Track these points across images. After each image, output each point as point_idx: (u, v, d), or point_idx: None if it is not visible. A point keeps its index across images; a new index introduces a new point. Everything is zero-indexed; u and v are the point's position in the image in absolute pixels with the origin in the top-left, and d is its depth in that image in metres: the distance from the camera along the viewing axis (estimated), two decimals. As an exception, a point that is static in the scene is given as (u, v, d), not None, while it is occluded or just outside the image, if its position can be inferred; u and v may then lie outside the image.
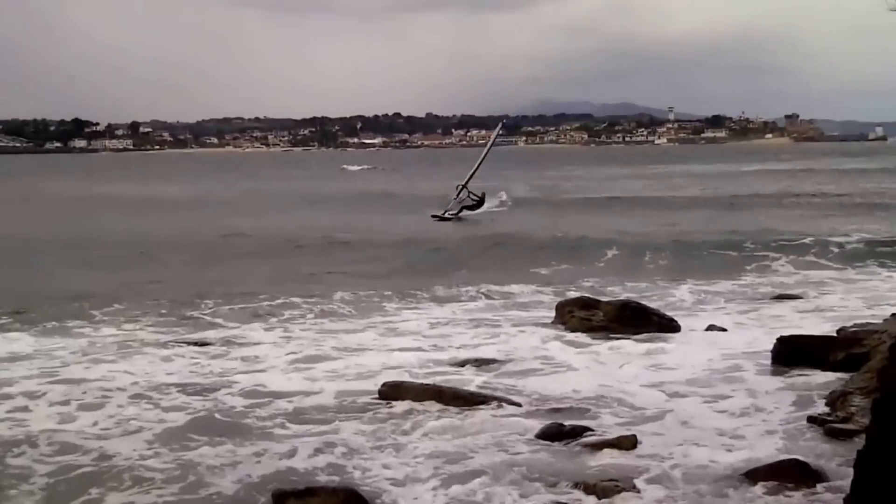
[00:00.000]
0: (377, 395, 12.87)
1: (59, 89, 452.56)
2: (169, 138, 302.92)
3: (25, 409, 12.60)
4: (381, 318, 19.48)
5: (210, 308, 20.56)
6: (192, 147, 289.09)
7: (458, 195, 45.11)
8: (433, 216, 43.36)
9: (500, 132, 49.96)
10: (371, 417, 12.11)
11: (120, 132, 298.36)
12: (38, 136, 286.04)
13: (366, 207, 52.35)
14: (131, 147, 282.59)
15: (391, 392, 12.82)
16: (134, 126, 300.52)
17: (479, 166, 47.17)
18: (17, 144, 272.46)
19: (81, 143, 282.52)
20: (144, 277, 25.16)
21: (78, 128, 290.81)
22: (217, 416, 12.19)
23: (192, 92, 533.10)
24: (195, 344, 16.74)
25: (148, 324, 18.92)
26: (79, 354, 15.96)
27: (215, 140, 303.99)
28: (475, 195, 45.41)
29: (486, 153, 49.27)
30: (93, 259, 28.91)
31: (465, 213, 44.14)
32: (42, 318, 19.11)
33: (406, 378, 13.73)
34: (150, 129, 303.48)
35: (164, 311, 20.15)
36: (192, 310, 20.38)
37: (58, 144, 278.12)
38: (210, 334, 17.81)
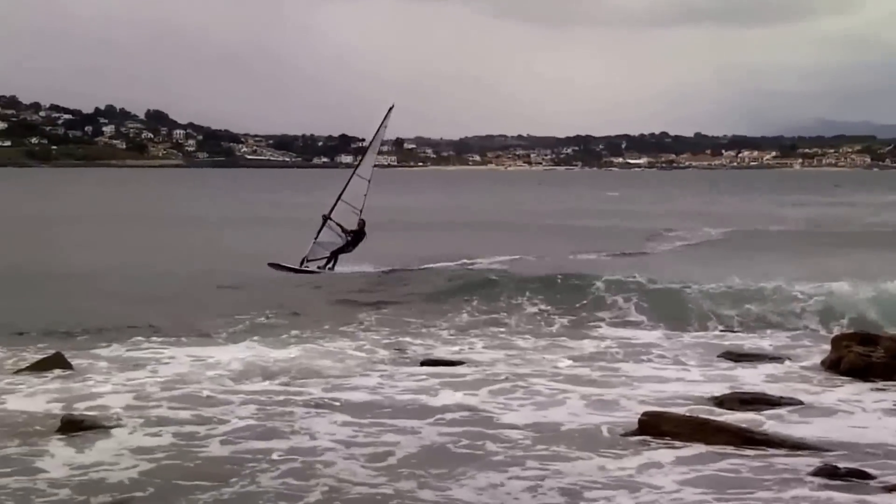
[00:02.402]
0: (636, 427, 12.37)
1: (326, 106, 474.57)
2: (432, 155, 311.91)
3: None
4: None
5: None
6: (454, 164, 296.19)
7: (318, 233, 31.71)
8: (270, 265, 30.46)
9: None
10: (625, 449, 11.74)
11: (384, 148, 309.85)
12: (306, 150, 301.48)
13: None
14: (395, 163, 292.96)
15: (651, 422, 12.28)
16: (398, 142, 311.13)
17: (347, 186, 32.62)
18: (287, 159, 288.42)
19: (347, 159, 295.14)
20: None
21: (344, 143, 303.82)
22: (450, 446, 11.96)
23: (455, 109, 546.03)
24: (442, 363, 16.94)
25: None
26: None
27: (477, 157, 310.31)
28: (344, 230, 31.60)
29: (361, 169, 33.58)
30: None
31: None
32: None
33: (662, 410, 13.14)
34: (413, 146, 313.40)
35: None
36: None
37: (325, 159, 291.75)
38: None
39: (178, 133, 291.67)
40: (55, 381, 15.00)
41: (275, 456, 11.23)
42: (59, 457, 10.97)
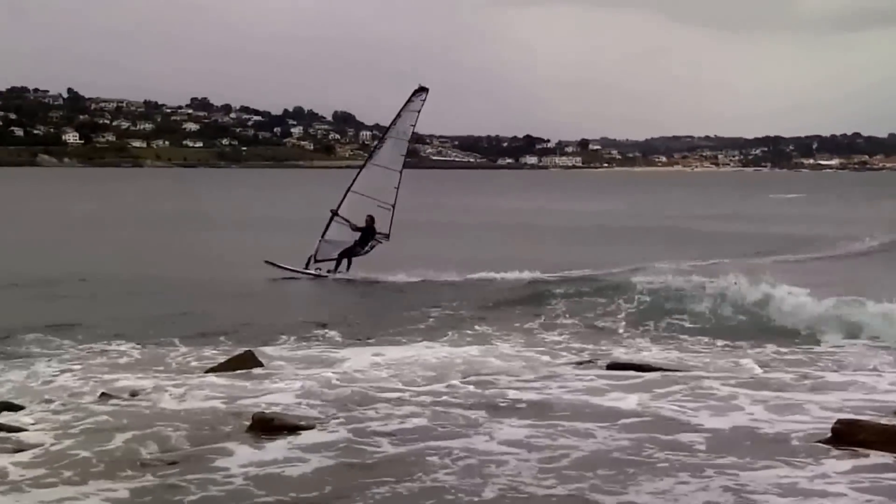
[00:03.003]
0: (829, 435, 11.86)
1: (509, 107, 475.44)
2: (617, 156, 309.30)
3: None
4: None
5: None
6: (639, 165, 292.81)
7: (325, 229, 30.65)
8: (267, 262, 29.93)
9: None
10: (818, 458, 11.34)
11: (569, 149, 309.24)
12: (491, 151, 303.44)
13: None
14: (580, 164, 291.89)
15: (846, 431, 11.67)
16: (583, 143, 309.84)
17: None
18: (472, 160, 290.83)
19: (532, 160, 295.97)
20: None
21: (529, 144, 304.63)
22: (626, 450, 11.80)
23: (641, 110, 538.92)
24: (628, 367, 16.76)
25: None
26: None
27: (663, 158, 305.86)
28: (354, 224, 30.34)
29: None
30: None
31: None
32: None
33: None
34: (598, 147, 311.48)
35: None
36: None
37: (509, 160, 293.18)
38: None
39: (364, 134, 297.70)
40: (245, 379, 15.59)
41: (449, 455, 11.39)
42: (247, 454, 11.39)
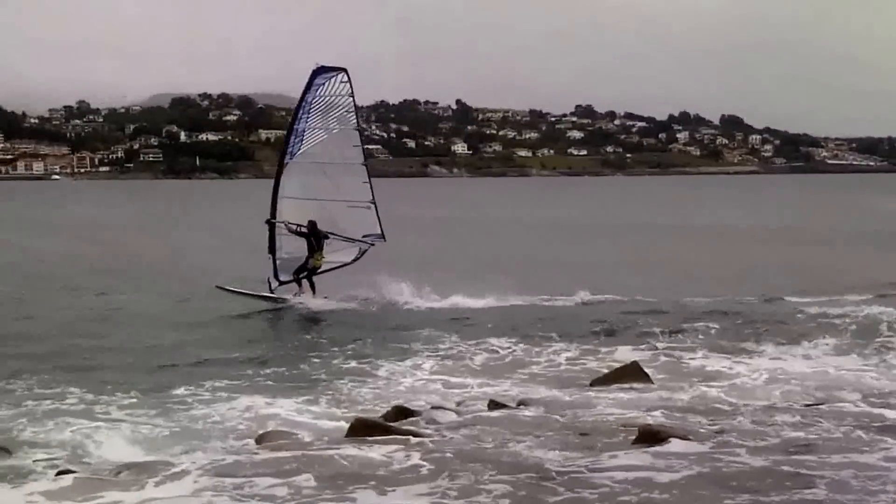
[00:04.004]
0: None
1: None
2: None
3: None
4: None
5: None
6: None
7: (271, 245, 27.11)
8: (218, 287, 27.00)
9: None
10: None
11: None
12: (892, 154, 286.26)
13: None
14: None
15: None
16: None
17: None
18: (871, 163, 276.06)
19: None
20: None
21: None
22: None
23: None
24: None
25: None
26: None
27: None
28: (293, 227, 26.74)
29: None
30: None
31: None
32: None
33: None
34: None
35: None
36: None
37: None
38: None
39: (754, 138, 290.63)
40: (632, 391, 15.55)
41: (821, 470, 10.67)
42: (630, 464, 11.15)
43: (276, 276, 26.66)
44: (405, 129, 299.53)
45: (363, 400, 16.04)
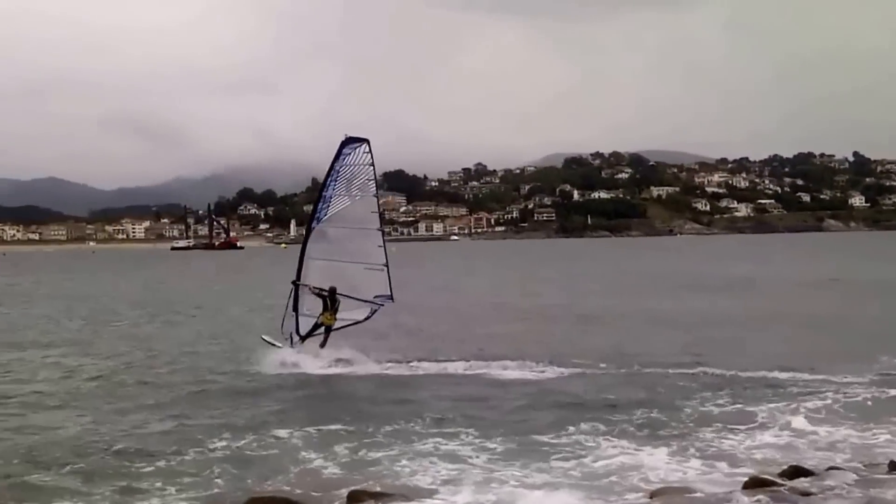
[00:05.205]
0: None
1: None
2: None
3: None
4: None
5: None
6: None
7: (294, 303, 28.50)
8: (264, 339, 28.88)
9: None
10: None
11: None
12: None
13: None
14: None
15: None
16: None
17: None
18: None
19: None
20: None
21: None
22: None
23: None
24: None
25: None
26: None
27: None
28: (318, 289, 28.11)
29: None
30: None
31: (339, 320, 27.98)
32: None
33: None
34: None
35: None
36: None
37: None
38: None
39: None
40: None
41: None
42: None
43: (297, 332, 28.54)
44: (799, 182, 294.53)
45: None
